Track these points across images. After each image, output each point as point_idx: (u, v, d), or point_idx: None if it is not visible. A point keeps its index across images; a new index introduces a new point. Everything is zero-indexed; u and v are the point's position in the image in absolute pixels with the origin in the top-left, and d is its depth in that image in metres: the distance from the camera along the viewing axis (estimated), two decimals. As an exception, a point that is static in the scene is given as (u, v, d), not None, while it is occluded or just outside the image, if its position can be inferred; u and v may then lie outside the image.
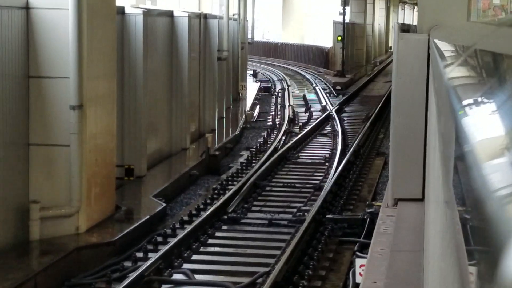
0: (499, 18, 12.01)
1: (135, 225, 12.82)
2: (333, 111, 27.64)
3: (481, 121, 0.97)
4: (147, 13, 16.79)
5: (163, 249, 11.57)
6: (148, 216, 13.34)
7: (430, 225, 5.52)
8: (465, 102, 1.35)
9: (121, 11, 15.86)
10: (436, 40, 5.50)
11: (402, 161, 8.65)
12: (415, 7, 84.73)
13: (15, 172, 11.61)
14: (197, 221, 13.18)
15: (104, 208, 13.00)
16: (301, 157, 20.02)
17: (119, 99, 14.95)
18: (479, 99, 1.13)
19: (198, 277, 11.16)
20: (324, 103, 30.65)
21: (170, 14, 19.41)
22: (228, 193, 15.24)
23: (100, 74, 12.83)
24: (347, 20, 44.10)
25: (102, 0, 13.02)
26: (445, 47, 3.65)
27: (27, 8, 11.78)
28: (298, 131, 23.92)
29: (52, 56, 11.89)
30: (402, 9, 79.99)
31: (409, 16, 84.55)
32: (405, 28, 9.88)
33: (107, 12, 13.25)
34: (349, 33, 45.26)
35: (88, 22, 12.05)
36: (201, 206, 14.63)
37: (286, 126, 24.54)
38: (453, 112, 1.78)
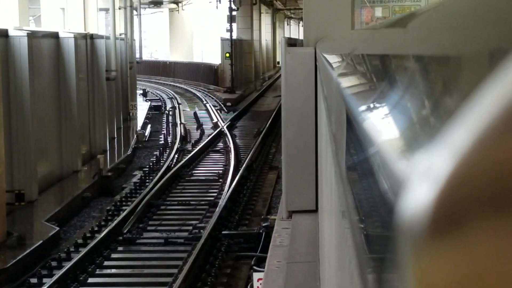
0: (379, 22, 12.31)
1: (28, 250, 12.54)
2: (225, 127, 27.74)
3: (371, 124, 1.01)
4: (32, 35, 16.51)
5: (58, 273, 11.36)
6: (41, 241, 13.07)
7: (324, 236, 5.61)
8: (354, 105, 1.40)
9: (4, 33, 15.55)
10: (322, 51, 5.62)
11: (294, 173, 8.77)
12: (301, 22, 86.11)
13: None
14: (92, 243, 13.00)
15: (-5, 235, 12.66)
16: (194, 174, 20.01)
17: (6, 123, 14.64)
18: (368, 103, 1.18)
19: (95, 300, 11.00)
20: (215, 120, 30.74)
21: (55, 36, 19.15)
22: (123, 214, 15.10)
23: (-15, 98, 12.54)
24: (234, 36, 44.41)
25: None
26: (331, 55, 3.77)
27: None
28: (190, 148, 23.90)
29: None
30: (288, 24, 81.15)
31: (294, 31, 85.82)
32: (292, 42, 10.02)
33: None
34: (237, 49, 45.59)
35: (-29, 46, 11.78)
36: (96, 228, 14.44)
37: (179, 144, 24.49)
38: (343, 119, 1.84)
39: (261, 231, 13.08)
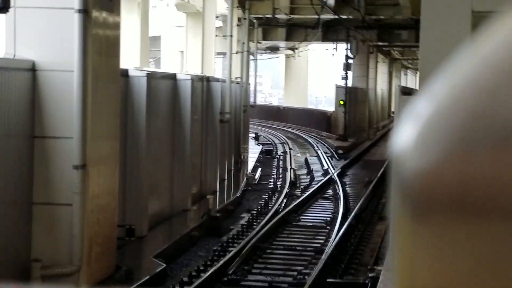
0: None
1: (135, 285, 12.79)
2: (335, 174, 27.68)
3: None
4: (151, 76, 16.98)
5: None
6: (148, 277, 13.31)
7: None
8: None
9: (125, 73, 16.05)
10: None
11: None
12: (417, 72, 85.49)
13: (18, 230, 11.66)
14: (197, 282, 13.15)
15: (104, 267, 12.99)
16: (302, 220, 20.01)
17: (121, 159, 15.05)
18: None
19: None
20: (326, 167, 30.71)
21: (173, 77, 19.62)
22: (229, 255, 15.22)
23: (103, 134, 12.96)
24: (349, 84, 44.46)
25: (107, 62, 13.22)
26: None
27: (33, 70, 11.96)
28: (299, 194, 23.94)
29: (57, 116, 12.03)
30: (404, 74, 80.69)
31: (411, 81, 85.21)
32: (406, 91, 10.09)
33: (111, 74, 13.44)
34: (351, 97, 45.60)
35: (93, 84, 12.21)
36: (201, 268, 14.61)
37: (288, 189, 24.57)
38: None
39: (367, 281, 12.95)
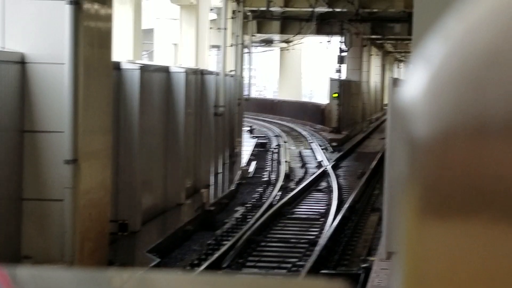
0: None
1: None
2: (329, 167, 27.65)
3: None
4: (144, 69, 16.88)
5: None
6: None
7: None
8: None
9: (117, 66, 15.95)
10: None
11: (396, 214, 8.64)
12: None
13: (7, 227, 11.56)
14: (191, 276, 13.09)
15: (97, 263, 12.91)
16: (296, 212, 19.97)
17: (114, 154, 14.96)
18: None
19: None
20: (320, 159, 30.68)
21: (166, 70, 19.52)
22: (223, 248, 15.17)
23: (95, 128, 12.86)
24: (343, 77, 44.42)
25: (99, 55, 13.12)
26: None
27: (23, 62, 11.85)
28: (293, 186, 23.89)
29: (47, 110, 11.92)
30: (397, 67, 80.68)
31: (404, 74, 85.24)
32: (399, 83, 10.01)
33: (103, 67, 13.34)
34: (345, 90, 45.55)
35: (84, 77, 12.11)
36: (196, 262, 14.55)
37: (282, 181, 24.52)
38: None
39: (360, 272, 12.93)
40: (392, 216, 8.69)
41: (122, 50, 22.07)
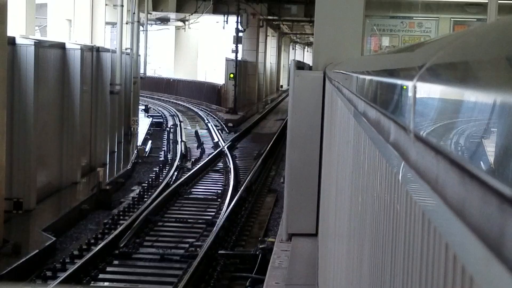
0: (390, 49, 12.39)
1: (23, 259, 12.48)
2: (225, 147, 27.72)
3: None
4: (39, 45, 16.52)
5: (53, 283, 11.30)
6: (37, 251, 13.01)
7: (326, 259, 5.58)
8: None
9: (11, 41, 15.55)
10: (332, 72, 5.62)
11: (296, 196, 8.74)
12: (306, 46, 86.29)
13: None
14: (88, 255, 12.94)
15: (-9, 242, 12.61)
16: (193, 192, 19.97)
17: (8, 131, 14.62)
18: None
19: (88, 313, 10.93)
20: (216, 140, 30.72)
21: (62, 46, 19.16)
22: (120, 228, 15.05)
23: (-10, 104, 12.53)
24: (239, 57, 44.50)
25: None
26: (340, 77, 3.80)
27: None
28: (190, 166, 23.87)
29: None
30: (293, 49, 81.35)
31: (299, 55, 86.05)
32: (300, 66, 10.08)
33: (-2, 41, 12.98)
34: (241, 70, 45.66)
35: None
36: (92, 241, 14.39)
37: (178, 161, 24.45)
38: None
39: (257, 252, 13.02)
40: (292, 198, 8.79)
41: (14, 25, 21.48)
